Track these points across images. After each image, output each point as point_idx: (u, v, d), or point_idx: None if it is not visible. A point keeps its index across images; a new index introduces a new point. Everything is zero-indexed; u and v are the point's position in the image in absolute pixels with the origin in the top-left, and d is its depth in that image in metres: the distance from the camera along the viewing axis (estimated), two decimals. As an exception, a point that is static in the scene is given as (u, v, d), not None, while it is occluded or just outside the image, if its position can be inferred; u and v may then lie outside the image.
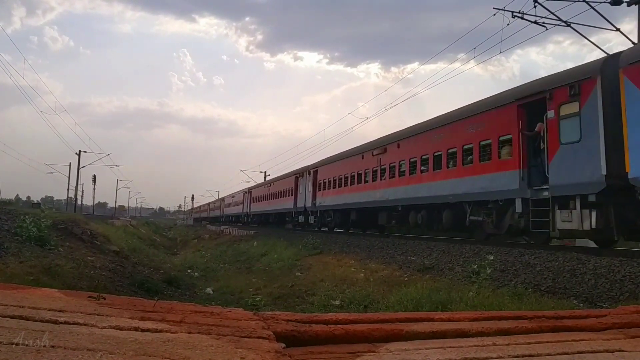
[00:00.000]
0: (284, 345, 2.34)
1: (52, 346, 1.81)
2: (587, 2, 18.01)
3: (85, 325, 2.13)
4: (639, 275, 8.86)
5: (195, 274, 22.87)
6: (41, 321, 2.13)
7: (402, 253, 16.26)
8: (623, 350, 2.47)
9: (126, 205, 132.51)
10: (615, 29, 18.70)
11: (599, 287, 9.07)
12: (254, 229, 46.31)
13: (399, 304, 9.39)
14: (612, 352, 2.45)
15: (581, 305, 8.36)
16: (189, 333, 2.22)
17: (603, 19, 18.67)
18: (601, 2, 18.23)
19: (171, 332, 2.19)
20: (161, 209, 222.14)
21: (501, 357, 2.33)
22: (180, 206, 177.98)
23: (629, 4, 18.14)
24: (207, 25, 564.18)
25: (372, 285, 12.96)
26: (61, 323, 2.12)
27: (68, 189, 70.77)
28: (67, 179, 68.66)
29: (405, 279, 12.94)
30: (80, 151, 64.35)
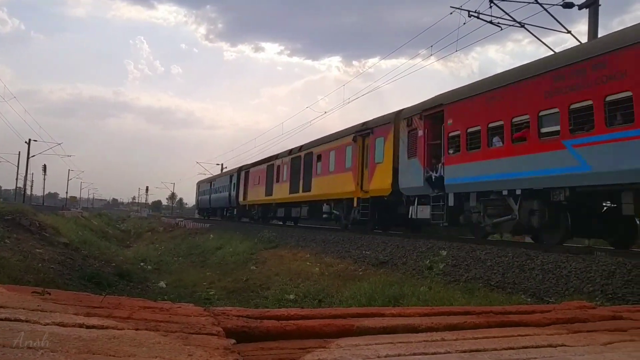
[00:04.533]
0: (234, 341, 2.32)
1: (-10, 344, 1.74)
2: (540, 4, 18.49)
3: (27, 322, 2.06)
4: (584, 271, 9.16)
5: (148, 267, 22.53)
6: (-20, 318, 2.05)
7: (357, 247, 16.38)
8: (565, 345, 2.54)
9: (78, 196, 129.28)
10: (566, 31, 19.25)
11: (546, 282, 9.35)
12: (209, 222, 45.91)
13: (353, 298, 9.47)
14: (555, 346, 2.51)
15: (529, 299, 8.60)
16: (136, 330, 2.18)
17: (556, 21, 19.24)
18: (554, 5, 18.75)
19: (117, 329, 2.14)
20: (114, 200, 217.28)
21: (449, 352, 2.37)
22: (134, 198, 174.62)
23: (580, 8, 18.69)
24: (166, 12, 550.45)
25: (327, 279, 13.03)
26: (1, 320, 2.04)
27: (17, 179, 68.83)
28: (16, 168, 66.72)
29: (360, 273, 13.05)
30: (30, 140, 62.61)
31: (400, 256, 13.70)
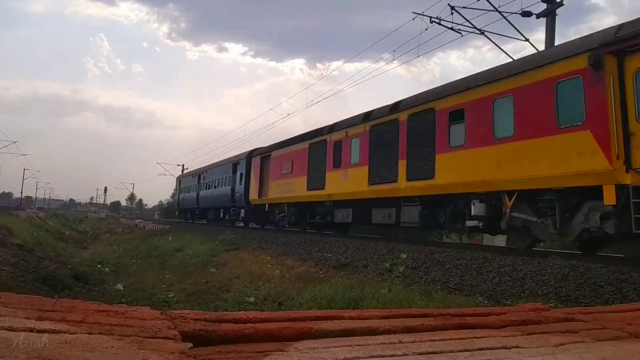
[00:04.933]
0: (191, 345, 2.29)
1: None
2: (499, 12, 18.89)
3: (-27, 326, 1.99)
4: (539, 274, 9.39)
5: (106, 269, 22.07)
6: None
7: (318, 250, 16.41)
8: (519, 347, 2.59)
9: (33, 196, 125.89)
10: (524, 39, 19.72)
11: (502, 284, 9.54)
12: (169, 223, 45.26)
13: (313, 301, 9.48)
14: (510, 348, 2.56)
15: (485, 302, 8.76)
16: (90, 334, 2.13)
17: (515, 29, 19.73)
18: (513, 13, 19.19)
19: (70, 333, 2.09)
20: (72, 200, 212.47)
21: (406, 355, 2.39)
22: (92, 198, 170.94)
23: (538, 17, 19.19)
24: (128, 9, 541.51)
25: (288, 281, 13.01)
26: (-54, 324, 1.97)
27: (-32, 178, 66.65)
28: (-33, 167, 64.60)
29: (321, 275, 13.08)
30: (-18, 138, 60.77)
31: (361, 259, 13.78)
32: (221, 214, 37.67)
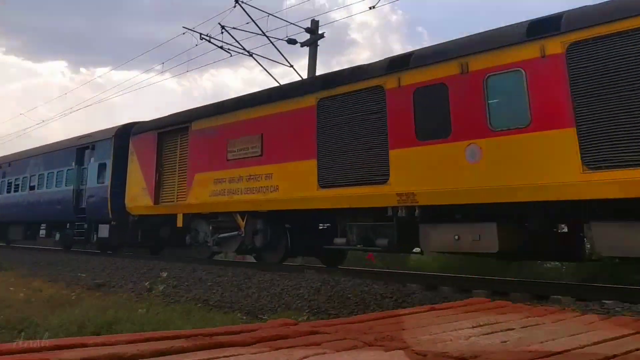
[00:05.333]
0: None
1: None
2: (267, 37, 19.78)
3: None
4: (295, 288, 9.92)
5: None
6: None
7: (71, 270, 15.18)
8: (266, 363, 2.69)
9: None
10: (289, 64, 20.93)
11: (261, 300, 9.85)
12: None
13: (61, 327, 8.68)
14: (256, 365, 2.64)
15: (244, 318, 8.95)
16: None
17: (281, 54, 20.85)
18: (280, 39, 20.27)
19: None
20: None
21: (152, 380, 2.32)
22: None
23: (302, 45, 20.55)
24: None
25: (34, 306, 11.75)
26: None
27: None
28: None
29: (73, 297, 12.08)
30: None
31: (119, 278, 13.09)
32: (42, 232, 22.77)
